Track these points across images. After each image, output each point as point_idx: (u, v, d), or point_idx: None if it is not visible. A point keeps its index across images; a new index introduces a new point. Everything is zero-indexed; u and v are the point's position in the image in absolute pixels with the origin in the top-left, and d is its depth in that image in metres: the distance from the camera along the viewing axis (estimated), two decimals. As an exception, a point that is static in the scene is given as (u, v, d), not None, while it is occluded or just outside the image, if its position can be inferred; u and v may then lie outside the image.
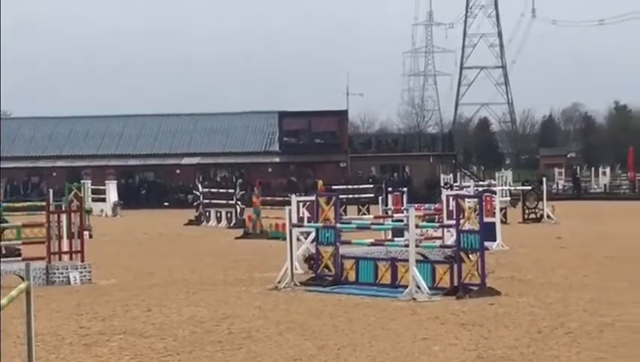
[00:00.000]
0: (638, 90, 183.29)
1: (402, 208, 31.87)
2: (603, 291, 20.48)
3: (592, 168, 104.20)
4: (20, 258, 24.65)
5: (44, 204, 28.38)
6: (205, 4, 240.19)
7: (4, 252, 25.75)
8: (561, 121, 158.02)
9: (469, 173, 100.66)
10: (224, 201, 51.72)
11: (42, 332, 15.36)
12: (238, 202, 49.23)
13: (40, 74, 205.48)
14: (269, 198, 48.02)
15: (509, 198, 51.64)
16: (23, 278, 17.67)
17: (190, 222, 52.30)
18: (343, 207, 38.80)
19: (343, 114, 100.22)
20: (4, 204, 40.93)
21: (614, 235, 38.13)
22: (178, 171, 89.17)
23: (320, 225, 22.98)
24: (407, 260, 20.46)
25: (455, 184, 65.54)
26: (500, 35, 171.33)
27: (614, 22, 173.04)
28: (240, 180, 53.87)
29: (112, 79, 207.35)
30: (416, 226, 21.17)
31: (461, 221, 20.58)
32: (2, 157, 79.01)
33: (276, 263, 23.60)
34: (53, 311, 18.56)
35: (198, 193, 56.05)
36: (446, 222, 25.48)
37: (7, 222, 31.44)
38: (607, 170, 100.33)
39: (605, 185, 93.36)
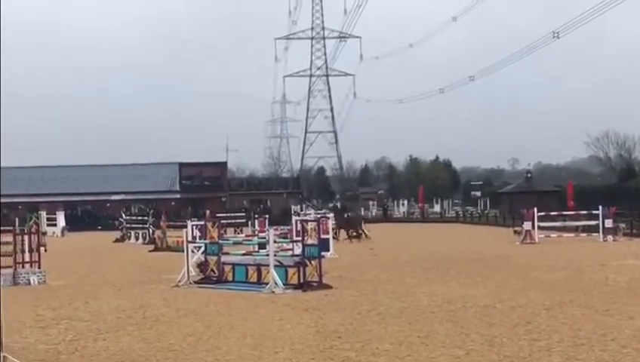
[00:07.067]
0: (425, 146, 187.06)
1: (265, 229, 31.88)
2: (402, 285, 20.73)
3: (395, 201, 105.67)
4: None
5: (10, 228, 27.83)
6: None
7: None
8: (373, 169, 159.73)
9: (311, 205, 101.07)
10: (140, 225, 51.26)
11: (10, 319, 14.95)
12: (150, 226, 48.75)
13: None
14: (171, 223, 47.50)
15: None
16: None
17: (117, 240, 51.61)
18: (224, 228, 38.72)
19: (224, 164, 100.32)
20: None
21: (410, 246, 38.61)
22: (108, 204, 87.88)
23: (207, 241, 22.94)
24: (268, 265, 20.50)
25: (301, 212, 65.94)
26: (331, 110, 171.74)
27: (410, 101, 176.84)
28: (152, 210, 53.10)
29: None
30: (275, 241, 21.18)
31: (305, 237, 20.71)
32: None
33: (177, 268, 23.36)
34: (17, 303, 18.05)
35: (122, 220, 55.38)
36: (295, 238, 25.48)
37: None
38: (405, 202, 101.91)
39: (404, 212, 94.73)
